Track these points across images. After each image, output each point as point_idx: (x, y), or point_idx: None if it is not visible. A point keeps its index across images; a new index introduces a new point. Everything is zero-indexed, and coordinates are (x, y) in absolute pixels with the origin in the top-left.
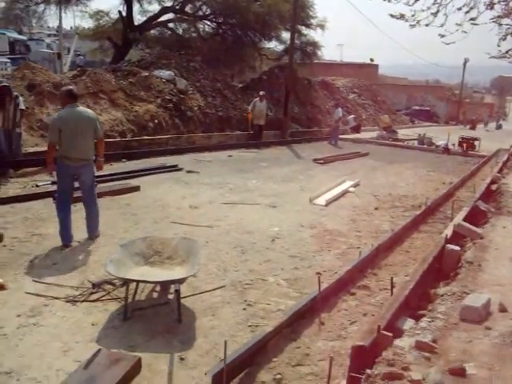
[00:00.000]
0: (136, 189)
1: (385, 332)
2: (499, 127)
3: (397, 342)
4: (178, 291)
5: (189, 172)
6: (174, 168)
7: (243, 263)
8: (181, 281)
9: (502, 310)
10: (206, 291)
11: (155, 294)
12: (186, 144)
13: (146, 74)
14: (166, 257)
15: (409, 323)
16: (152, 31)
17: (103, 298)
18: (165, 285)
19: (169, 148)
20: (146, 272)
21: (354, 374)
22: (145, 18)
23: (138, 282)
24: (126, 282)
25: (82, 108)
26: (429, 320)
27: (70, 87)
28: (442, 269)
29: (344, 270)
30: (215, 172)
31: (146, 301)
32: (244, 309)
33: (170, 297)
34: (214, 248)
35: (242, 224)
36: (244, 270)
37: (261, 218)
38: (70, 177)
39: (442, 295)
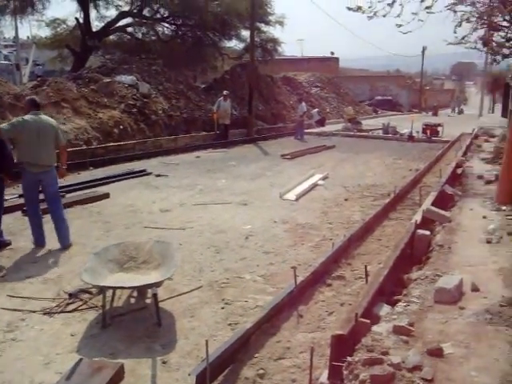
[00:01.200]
0: (106, 196)
1: (362, 319)
2: (461, 112)
3: (375, 328)
4: (155, 295)
5: (157, 176)
6: (142, 173)
7: (218, 263)
8: (157, 284)
9: (475, 289)
10: (184, 293)
11: (133, 300)
12: (153, 148)
13: (108, 80)
14: (141, 261)
15: (385, 309)
16: (111, 37)
17: (81, 308)
18: (142, 289)
19: (136, 153)
20: (121, 278)
21: (335, 363)
22: (103, 24)
23: (114, 288)
24: (102, 290)
25: (44, 116)
26: (404, 304)
27: (34, 96)
28: (413, 254)
29: (318, 262)
30: (184, 174)
31: (124, 307)
32: (222, 308)
33: (148, 301)
34: (188, 250)
35: (215, 224)
36: (220, 270)
37: (233, 216)
38: (34, 184)
39: (415, 279)
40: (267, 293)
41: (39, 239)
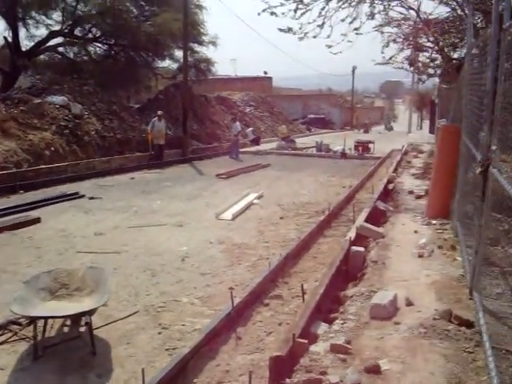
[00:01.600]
0: (37, 220)
1: (300, 339)
2: (391, 129)
3: (312, 347)
4: (88, 323)
5: (91, 198)
6: (75, 196)
7: (155, 286)
8: (90, 312)
9: (409, 304)
10: (119, 319)
11: (66, 329)
12: (86, 170)
13: (38, 100)
14: (74, 288)
15: (323, 327)
16: (41, 56)
17: (10, 340)
18: (75, 318)
19: (68, 175)
20: (53, 307)
21: None
22: (33, 43)
23: (45, 318)
24: (33, 320)
25: None
26: (341, 322)
27: None
28: (349, 270)
29: (255, 282)
30: (118, 196)
31: (56, 337)
32: (159, 333)
33: (82, 329)
34: (123, 274)
35: (150, 246)
36: (156, 293)
37: (168, 238)
38: None
39: (351, 296)
40: (205, 315)
41: None
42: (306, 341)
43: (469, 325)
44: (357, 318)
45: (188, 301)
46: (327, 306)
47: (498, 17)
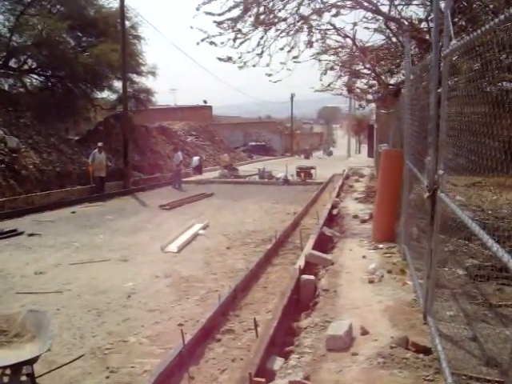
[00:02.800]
0: None
1: (257, 378)
2: (330, 154)
3: None
4: (30, 374)
5: (30, 235)
6: (13, 233)
7: (100, 326)
8: (32, 361)
9: (364, 332)
10: (64, 364)
11: (6, 378)
12: (25, 205)
13: None
14: (13, 335)
15: (279, 362)
16: None
17: None
18: (16, 368)
19: (5, 211)
20: None
21: None
22: None
23: None
24: None
25: None
26: (297, 356)
27: None
28: (300, 300)
29: (206, 317)
30: (59, 232)
31: None
32: (107, 377)
33: (24, 378)
34: (66, 315)
35: (94, 284)
36: (102, 334)
37: (113, 274)
38: None
39: (305, 328)
40: (155, 355)
41: None
42: (263, 379)
43: (426, 351)
44: (313, 351)
45: (136, 340)
46: (281, 339)
47: (437, 44)
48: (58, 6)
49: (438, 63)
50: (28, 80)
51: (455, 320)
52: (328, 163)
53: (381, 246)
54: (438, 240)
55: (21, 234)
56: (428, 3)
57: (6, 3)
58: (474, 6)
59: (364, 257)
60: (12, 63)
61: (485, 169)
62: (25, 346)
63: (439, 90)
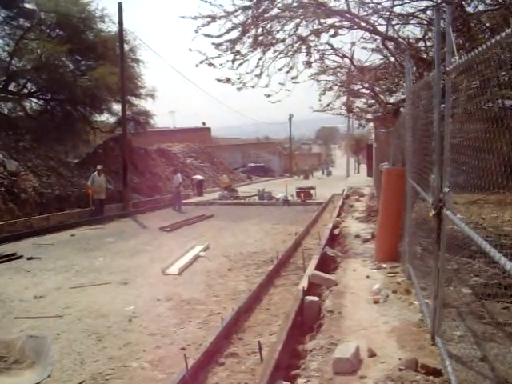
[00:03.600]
0: None
1: None
2: (329, 173)
3: None
4: None
5: (30, 259)
6: (12, 257)
7: (101, 351)
8: None
9: (371, 354)
10: None
11: None
12: (24, 228)
13: None
14: (12, 361)
15: None
16: None
17: None
18: None
19: (4, 235)
20: None
21: None
22: None
23: None
24: None
25: None
26: (304, 380)
27: None
28: (304, 321)
29: (209, 340)
30: (59, 255)
31: None
32: None
33: None
34: (66, 340)
35: (95, 307)
36: (103, 359)
37: (113, 297)
38: None
39: (311, 350)
40: (157, 381)
41: None
42: None
43: (436, 373)
44: (320, 375)
45: (138, 365)
46: (286, 362)
47: (439, 60)
48: (58, 30)
49: (440, 79)
50: (27, 104)
51: (463, 340)
52: (327, 183)
53: (384, 265)
54: (445, 259)
55: (20, 257)
56: (425, 23)
57: (6, 28)
58: (472, 24)
59: (368, 277)
60: (11, 87)
61: (486, 186)
62: (24, 373)
63: (442, 106)
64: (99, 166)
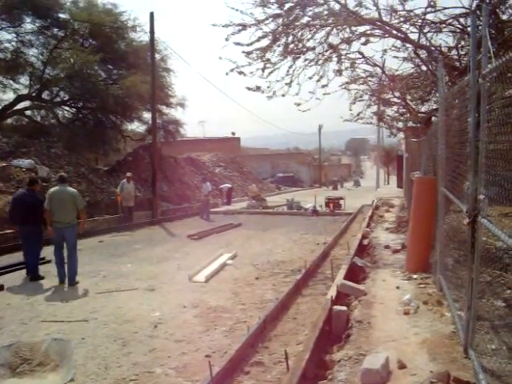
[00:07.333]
0: (0, 288)
1: None
2: (358, 184)
3: None
4: None
5: None
6: (41, 261)
7: (126, 357)
8: None
9: (401, 366)
10: None
11: None
12: None
13: (4, 164)
14: (37, 364)
15: None
16: (8, 120)
17: None
18: None
19: None
20: None
21: None
22: None
23: None
24: None
25: (67, 187)
26: None
27: (62, 173)
28: (332, 331)
29: (234, 348)
30: (86, 260)
31: None
32: None
33: None
34: (91, 344)
35: (121, 313)
36: (127, 365)
37: (139, 303)
38: (59, 234)
39: (338, 361)
40: None
41: (62, 276)
42: None
43: None
44: None
45: (162, 372)
46: (313, 372)
47: (475, 64)
48: (90, 40)
49: (476, 83)
50: (60, 111)
51: (498, 354)
52: (357, 194)
53: (415, 276)
54: (479, 269)
55: (49, 262)
56: (458, 31)
57: (41, 37)
58: (506, 32)
59: (398, 287)
60: (45, 95)
61: None
62: (48, 376)
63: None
64: (129, 174)
